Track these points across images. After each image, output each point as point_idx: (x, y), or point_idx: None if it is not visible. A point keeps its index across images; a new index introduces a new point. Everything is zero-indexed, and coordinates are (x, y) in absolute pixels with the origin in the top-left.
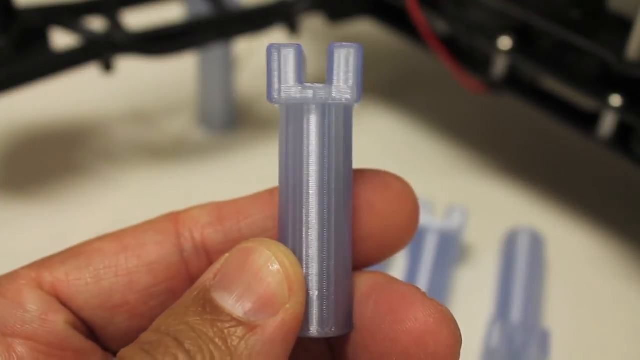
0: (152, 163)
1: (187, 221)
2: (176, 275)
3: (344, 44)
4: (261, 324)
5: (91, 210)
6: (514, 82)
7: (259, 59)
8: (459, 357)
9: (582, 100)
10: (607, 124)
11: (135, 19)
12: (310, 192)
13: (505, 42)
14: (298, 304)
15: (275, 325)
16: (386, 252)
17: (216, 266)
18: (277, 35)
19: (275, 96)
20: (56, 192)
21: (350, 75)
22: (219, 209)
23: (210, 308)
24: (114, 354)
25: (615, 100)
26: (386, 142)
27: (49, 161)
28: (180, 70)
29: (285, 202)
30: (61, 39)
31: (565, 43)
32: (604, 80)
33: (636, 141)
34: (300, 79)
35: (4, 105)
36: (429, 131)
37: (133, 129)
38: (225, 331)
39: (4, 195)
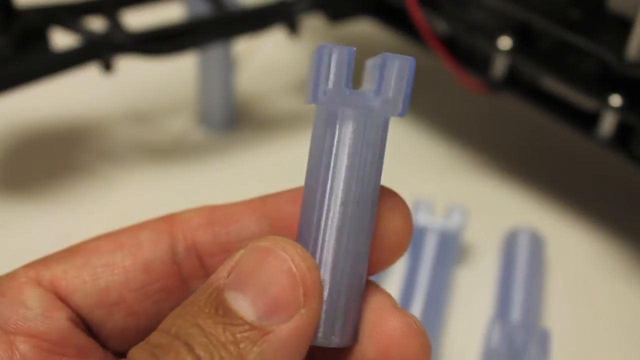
0: (152, 163)
1: (180, 223)
2: (170, 274)
3: (398, 55)
4: (274, 330)
5: (91, 210)
6: (514, 82)
7: (259, 59)
8: None
9: (582, 100)
10: (607, 123)
11: (135, 19)
12: (338, 200)
13: (505, 42)
14: (313, 310)
15: (289, 331)
16: (377, 269)
17: (230, 263)
18: (277, 35)
19: (321, 97)
20: (56, 192)
21: (402, 88)
22: (210, 213)
23: (223, 310)
24: (112, 352)
25: (615, 100)
26: (386, 142)
27: (49, 161)
28: (180, 70)
29: (309, 205)
30: (61, 39)
31: (565, 43)
32: (604, 80)
33: (636, 141)
34: (348, 83)
35: (4, 105)
36: (429, 131)
37: (133, 129)
38: (238, 336)
39: (4, 195)
